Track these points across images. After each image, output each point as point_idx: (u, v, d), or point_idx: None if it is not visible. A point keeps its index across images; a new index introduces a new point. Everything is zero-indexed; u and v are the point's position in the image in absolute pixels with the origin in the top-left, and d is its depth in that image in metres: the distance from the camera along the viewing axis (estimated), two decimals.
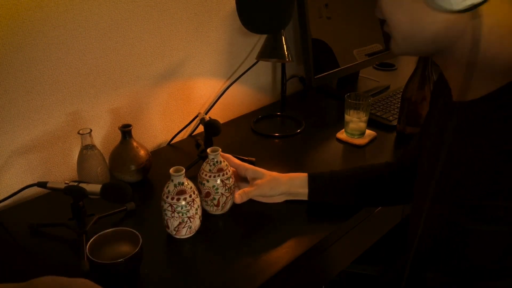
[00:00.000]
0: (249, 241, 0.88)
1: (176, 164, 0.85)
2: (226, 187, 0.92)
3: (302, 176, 0.95)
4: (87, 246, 0.76)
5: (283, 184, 0.94)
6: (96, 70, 1.08)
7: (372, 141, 1.25)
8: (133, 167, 1.03)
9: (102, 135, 1.15)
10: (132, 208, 0.97)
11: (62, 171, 1.10)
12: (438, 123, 0.72)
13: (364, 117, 1.23)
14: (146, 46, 1.15)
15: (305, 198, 0.96)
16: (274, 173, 0.96)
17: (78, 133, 0.97)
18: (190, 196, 0.84)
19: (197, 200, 0.86)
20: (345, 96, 1.23)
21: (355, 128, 1.24)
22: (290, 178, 0.95)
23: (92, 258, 0.74)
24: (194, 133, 1.35)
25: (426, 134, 0.78)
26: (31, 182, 0.94)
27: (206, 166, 0.92)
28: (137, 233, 0.79)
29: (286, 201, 1.00)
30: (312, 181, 0.95)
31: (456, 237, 0.64)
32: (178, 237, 0.88)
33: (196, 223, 0.87)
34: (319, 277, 0.98)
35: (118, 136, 1.05)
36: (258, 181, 0.93)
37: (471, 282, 0.66)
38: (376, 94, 1.54)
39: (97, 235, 0.78)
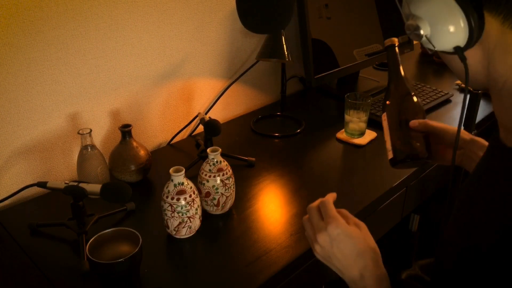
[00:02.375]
0: (249, 241, 0.88)
1: (176, 164, 0.85)
2: (226, 187, 0.92)
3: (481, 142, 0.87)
4: (87, 246, 0.76)
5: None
6: (96, 70, 1.08)
7: (372, 141, 1.25)
8: (133, 167, 1.03)
9: (102, 135, 1.15)
10: (132, 208, 0.97)
11: (62, 171, 1.10)
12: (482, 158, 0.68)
13: (364, 117, 1.23)
14: (146, 46, 1.15)
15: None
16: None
17: (78, 133, 0.97)
18: (190, 196, 0.84)
19: (197, 200, 0.86)
20: (345, 96, 1.23)
21: (355, 128, 1.24)
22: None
23: (92, 258, 0.74)
24: (194, 133, 1.35)
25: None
26: (31, 182, 0.94)
27: (206, 166, 0.92)
28: (137, 233, 0.79)
29: (285, 201, 1.00)
30: None
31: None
32: (178, 237, 0.88)
33: (196, 223, 0.87)
34: (319, 277, 0.98)
35: (118, 136, 1.05)
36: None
37: None
38: (376, 94, 1.54)
39: (97, 235, 0.78)
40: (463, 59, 0.57)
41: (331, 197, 0.72)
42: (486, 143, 0.83)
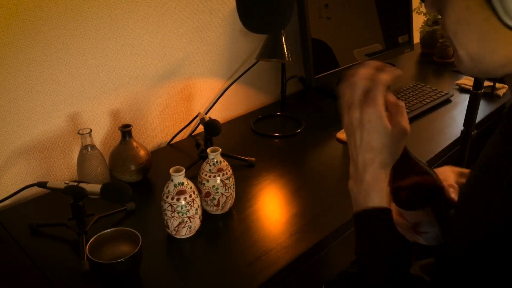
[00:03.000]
0: (249, 241, 0.88)
1: (176, 164, 0.85)
2: (226, 187, 0.92)
3: None
4: (87, 246, 0.76)
5: None
6: (96, 70, 1.08)
7: None
8: (133, 167, 1.03)
9: (102, 135, 1.15)
10: (132, 208, 0.97)
11: (62, 171, 1.10)
12: (494, 146, 0.65)
13: None
14: (146, 46, 1.15)
15: None
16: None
17: (78, 133, 0.97)
18: (190, 196, 0.84)
19: (197, 200, 0.86)
20: None
21: None
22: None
23: (92, 258, 0.74)
24: (194, 133, 1.35)
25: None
26: (31, 182, 0.94)
27: (206, 166, 0.92)
28: (137, 233, 0.79)
29: (285, 201, 1.00)
30: None
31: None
32: (178, 237, 0.87)
33: (196, 223, 0.87)
34: (319, 277, 0.98)
35: (118, 136, 1.05)
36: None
37: None
38: None
39: (97, 235, 0.78)
40: None
41: (389, 75, 0.62)
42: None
